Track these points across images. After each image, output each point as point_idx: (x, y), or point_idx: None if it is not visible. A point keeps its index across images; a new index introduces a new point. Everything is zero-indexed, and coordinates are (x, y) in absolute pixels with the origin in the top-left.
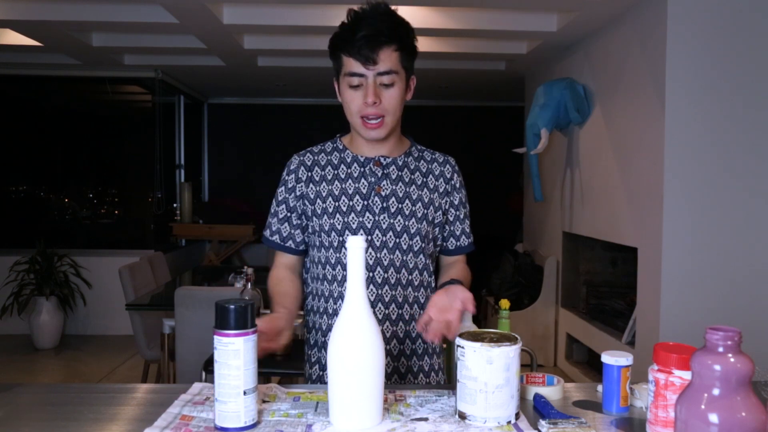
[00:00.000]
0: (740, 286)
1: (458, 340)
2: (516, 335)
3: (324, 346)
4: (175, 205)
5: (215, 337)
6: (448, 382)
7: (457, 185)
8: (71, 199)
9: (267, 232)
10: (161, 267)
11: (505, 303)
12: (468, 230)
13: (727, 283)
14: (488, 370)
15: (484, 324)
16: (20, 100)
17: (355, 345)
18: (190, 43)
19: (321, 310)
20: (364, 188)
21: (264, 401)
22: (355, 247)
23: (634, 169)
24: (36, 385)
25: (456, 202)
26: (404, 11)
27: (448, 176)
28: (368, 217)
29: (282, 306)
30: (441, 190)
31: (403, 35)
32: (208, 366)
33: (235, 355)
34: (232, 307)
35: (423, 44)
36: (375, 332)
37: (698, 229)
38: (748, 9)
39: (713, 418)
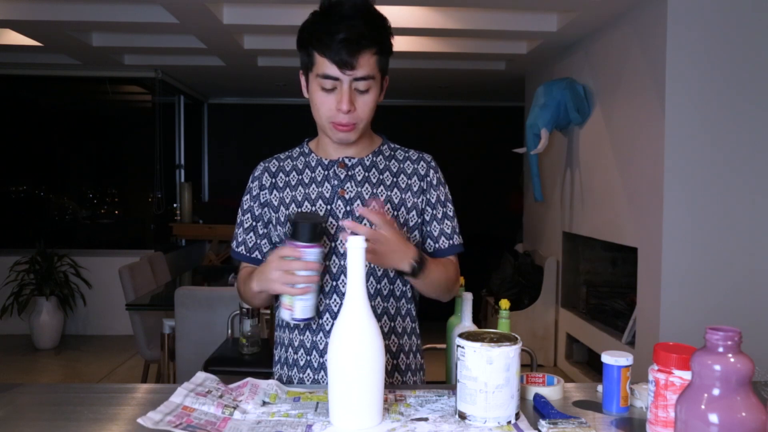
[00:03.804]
0: (740, 286)
1: (458, 340)
2: (516, 335)
3: (287, 362)
4: (175, 205)
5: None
6: (448, 382)
7: (434, 182)
8: (71, 199)
9: (233, 244)
10: (161, 267)
11: (505, 303)
12: (449, 231)
13: (727, 283)
14: (488, 370)
15: (484, 324)
16: (20, 100)
17: (355, 345)
18: (190, 43)
19: (284, 324)
20: (327, 192)
21: (264, 402)
22: (355, 247)
23: (634, 169)
24: (36, 385)
25: (433, 200)
26: (405, 11)
27: (423, 173)
28: (331, 222)
29: None
30: (415, 189)
31: (384, 37)
32: (208, 366)
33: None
34: (308, 224)
35: (423, 44)
36: (375, 332)
37: (698, 229)
38: (748, 9)
39: (713, 418)
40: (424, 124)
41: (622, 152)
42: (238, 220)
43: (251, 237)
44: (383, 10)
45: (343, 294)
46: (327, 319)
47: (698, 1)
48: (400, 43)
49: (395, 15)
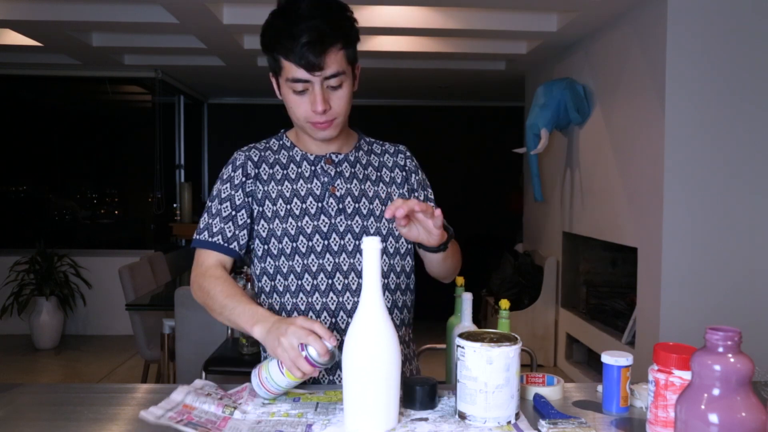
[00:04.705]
0: (740, 286)
1: (458, 340)
2: (516, 335)
3: None
4: (175, 205)
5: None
6: (448, 382)
7: (413, 168)
8: (71, 199)
9: (204, 234)
10: (161, 267)
11: (505, 303)
12: None
13: (727, 283)
14: (488, 370)
15: (484, 324)
16: (20, 100)
17: (371, 347)
18: (190, 43)
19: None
20: (317, 189)
21: (264, 402)
22: (371, 249)
23: (634, 169)
24: (36, 385)
25: (415, 185)
26: (405, 11)
27: (402, 163)
28: (323, 220)
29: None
30: (399, 181)
31: (347, 28)
32: (208, 366)
33: None
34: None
35: (423, 44)
36: (392, 334)
37: (698, 229)
38: (748, 9)
39: (713, 418)
40: (424, 124)
41: (622, 152)
42: (213, 210)
43: (230, 227)
44: (384, 9)
45: (354, 291)
46: (324, 317)
47: (698, 1)
48: (400, 43)
49: (395, 15)
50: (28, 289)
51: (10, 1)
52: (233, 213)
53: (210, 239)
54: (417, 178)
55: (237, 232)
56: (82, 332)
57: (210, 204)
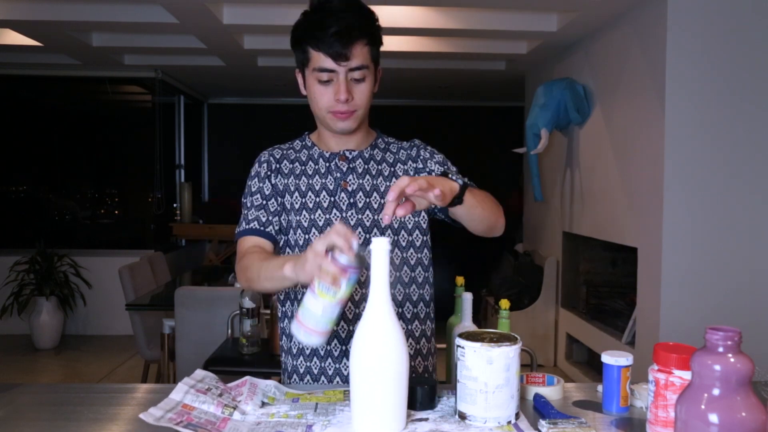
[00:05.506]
0: (740, 286)
1: (458, 340)
2: (516, 335)
3: (290, 351)
4: (175, 205)
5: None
6: (448, 382)
7: (428, 155)
8: (71, 199)
9: (242, 225)
10: (161, 267)
11: (505, 303)
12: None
13: (727, 283)
14: (488, 370)
15: (484, 324)
16: (20, 100)
17: (379, 347)
18: (190, 43)
19: (290, 314)
20: (330, 184)
21: (263, 403)
22: (380, 249)
23: (634, 169)
24: (36, 385)
25: (433, 167)
26: (405, 11)
27: (415, 154)
28: (335, 213)
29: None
30: (412, 172)
31: (373, 29)
32: (208, 366)
33: None
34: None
35: (423, 44)
36: (400, 336)
37: (698, 229)
38: (748, 9)
39: (713, 418)
40: (424, 124)
41: (622, 152)
42: (248, 204)
43: (263, 213)
44: (384, 9)
45: (362, 283)
46: None
47: (698, 1)
48: (400, 43)
49: (395, 15)
50: (28, 289)
51: (10, 1)
52: (264, 202)
53: (247, 227)
54: (436, 159)
55: (270, 217)
56: (82, 332)
57: (244, 200)
